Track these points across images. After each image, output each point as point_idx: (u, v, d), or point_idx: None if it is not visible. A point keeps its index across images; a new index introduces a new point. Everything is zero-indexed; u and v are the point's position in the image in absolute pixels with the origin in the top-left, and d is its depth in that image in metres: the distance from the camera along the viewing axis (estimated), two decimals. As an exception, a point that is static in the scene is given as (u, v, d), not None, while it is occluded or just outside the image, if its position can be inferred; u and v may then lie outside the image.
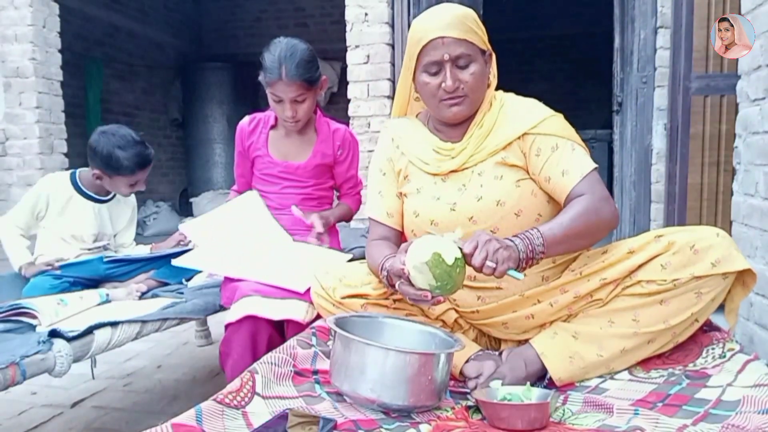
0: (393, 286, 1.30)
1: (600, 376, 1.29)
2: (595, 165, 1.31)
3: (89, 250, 2.15)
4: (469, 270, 1.23)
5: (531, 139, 1.33)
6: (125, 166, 2.06)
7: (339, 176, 2.05)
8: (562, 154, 1.31)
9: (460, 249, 1.16)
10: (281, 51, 1.79)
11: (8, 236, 2.08)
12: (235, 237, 1.86)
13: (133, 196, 2.32)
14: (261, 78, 1.82)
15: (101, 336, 1.50)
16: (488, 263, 1.12)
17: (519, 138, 1.34)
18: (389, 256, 1.33)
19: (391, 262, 1.24)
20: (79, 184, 2.16)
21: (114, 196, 2.24)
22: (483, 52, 1.36)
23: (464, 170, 1.37)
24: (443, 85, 1.32)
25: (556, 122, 1.35)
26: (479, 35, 1.34)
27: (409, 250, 1.18)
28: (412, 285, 1.16)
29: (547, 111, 1.36)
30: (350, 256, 1.83)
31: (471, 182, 1.36)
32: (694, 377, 1.21)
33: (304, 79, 1.79)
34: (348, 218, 2.11)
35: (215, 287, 1.96)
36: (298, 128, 1.94)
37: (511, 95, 1.43)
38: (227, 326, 1.61)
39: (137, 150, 2.08)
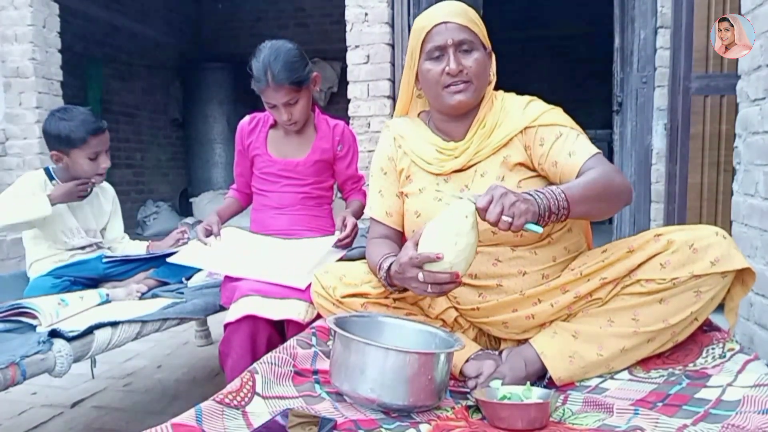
0: (391, 285, 1.30)
1: (600, 376, 1.29)
2: (599, 150, 1.31)
3: (82, 249, 2.13)
4: (470, 269, 1.22)
5: (533, 131, 1.34)
6: (75, 136, 1.99)
7: (340, 174, 2.04)
8: (567, 139, 1.31)
9: (474, 204, 1.12)
10: (265, 57, 1.80)
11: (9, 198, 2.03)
12: (230, 245, 1.86)
13: (111, 188, 2.29)
14: (253, 86, 1.83)
15: (101, 336, 1.50)
16: (504, 218, 1.07)
17: (520, 132, 1.34)
18: (388, 255, 1.33)
19: (395, 260, 1.23)
20: (55, 177, 2.12)
21: (91, 190, 2.15)
22: (484, 47, 1.37)
23: (467, 170, 1.38)
24: (447, 68, 1.32)
25: (557, 113, 1.36)
26: (480, 30, 1.37)
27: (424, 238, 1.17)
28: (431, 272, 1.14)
29: (545, 105, 1.38)
30: (335, 237, 1.81)
31: (474, 182, 1.36)
32: (694, 377, 1.21)
33: (291, 82, 1.79)
34: (363, 212, 2.03)
35: (215, 287, 1.96)
36: (297, 128, 1.94)
37: (511, 94, 1.44)
38: (227, 326, 1.61)
39: (82, 117, 2.02)
